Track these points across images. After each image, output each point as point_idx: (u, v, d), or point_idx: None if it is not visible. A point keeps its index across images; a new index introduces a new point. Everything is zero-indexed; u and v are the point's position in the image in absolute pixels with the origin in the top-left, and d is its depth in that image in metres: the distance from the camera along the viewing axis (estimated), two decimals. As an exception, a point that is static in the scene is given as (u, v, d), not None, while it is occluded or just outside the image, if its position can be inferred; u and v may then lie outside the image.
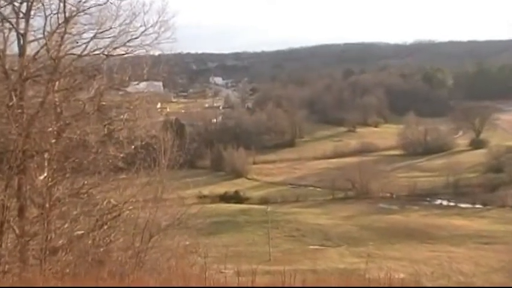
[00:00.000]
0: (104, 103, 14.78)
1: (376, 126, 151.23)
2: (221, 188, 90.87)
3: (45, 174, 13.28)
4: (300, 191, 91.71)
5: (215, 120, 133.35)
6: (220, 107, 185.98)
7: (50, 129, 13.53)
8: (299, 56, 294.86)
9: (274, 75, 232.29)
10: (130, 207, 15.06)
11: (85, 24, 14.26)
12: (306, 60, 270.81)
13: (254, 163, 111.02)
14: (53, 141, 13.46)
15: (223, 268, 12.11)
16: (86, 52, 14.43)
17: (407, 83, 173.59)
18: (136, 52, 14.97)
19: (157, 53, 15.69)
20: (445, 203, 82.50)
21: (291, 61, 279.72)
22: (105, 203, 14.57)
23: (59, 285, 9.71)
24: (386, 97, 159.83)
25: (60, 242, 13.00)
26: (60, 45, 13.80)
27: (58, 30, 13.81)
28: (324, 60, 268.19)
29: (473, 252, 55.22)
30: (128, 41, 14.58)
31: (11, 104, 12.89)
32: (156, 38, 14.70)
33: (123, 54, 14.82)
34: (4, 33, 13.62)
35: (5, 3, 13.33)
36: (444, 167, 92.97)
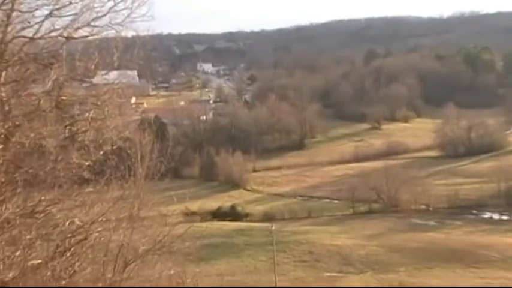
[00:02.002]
0: (63, 98, 14.67)
1: (406, 122, 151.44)
2: (214, 203, 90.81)
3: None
4: (312, 204, 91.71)
5: (204, 117, 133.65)
6: (211, 101, 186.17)
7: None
8: (308, 36, 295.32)
9: (278, 60, 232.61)
10: (100, 229, 14.99)
11: (38, -1, 14.17)
12: (317, 41, 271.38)
13: (254, 170, 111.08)
14: (0, 147, 13.38)
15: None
16: (40, 34, 14.30)
17: (445, 67, 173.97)
18: (104, 33, 14.89)
19: (130, 34, 15.61)
20: (495, 216, 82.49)
21: (298, 42, 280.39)
22: (67, 224, 14.47)
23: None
24: (418, 85, 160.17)
25: (11, 274, 12.87)
26: (6, 26, 13.70)
27: (3, 7, 13.70)
28: (340, 41, 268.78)
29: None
30: (93, 20, 14.48)
31: None
32: (128, 16, 14.57)
33: (87, 36, 14.74)
34: None
35: None
36: (493, 171, 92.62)
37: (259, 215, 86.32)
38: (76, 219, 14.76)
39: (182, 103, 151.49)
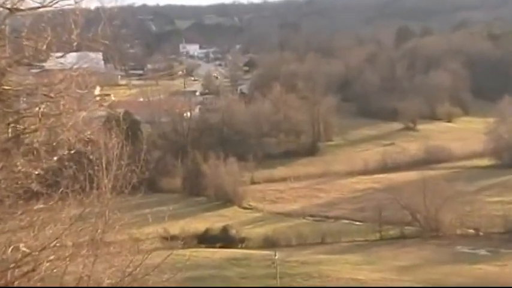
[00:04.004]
0: (6, 88, 14.69)
1: (449, 121, 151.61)
2: (200, 224, 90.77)
3: None
4: (327, 226, 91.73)
5: (189, 114, 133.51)
6: (198, 93, 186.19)
7: None
8: (323, 9, 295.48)
9: (284, 40, 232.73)
10: (52, 257, 14.98)
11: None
12: (334, 16, 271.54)
13: (253, 182, 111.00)
14: None
15: None
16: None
17: (500, 49, 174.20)
18: (60, 4, 14.91)
19: (93, 5, 15.62)
20: None
21: (310, 17, 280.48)
22: (9, 250, 14.48)
23: None
24: (465, 73, 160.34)
25: None
26: None
27: None
28: (364, 15, 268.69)
29: None
30: (46, -14, 14.51)
31: None
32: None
33: (38, 7, 14.76)
34: None
35: None
36: None
37: (259, 240, 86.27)
38: (21, 245, 14.73)
39: (161, 96, 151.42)
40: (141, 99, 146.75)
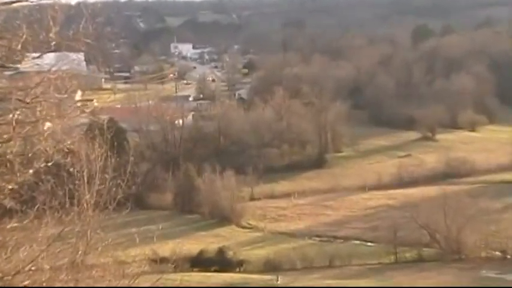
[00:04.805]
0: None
1: (473, 130, 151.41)
2: (193, 245, 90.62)
3: None
4: (335, 247, 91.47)
5: (181, 121, 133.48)
6: (191, 98, 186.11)
7: None
8: (331, 5, 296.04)
9: (288, 39, 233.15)
10: (27, 282, 14.95)
11: None
12: (343, 12, 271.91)
13: (253, 198, 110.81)
14: None
15: None
16: None
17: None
18: (37, -1, 14.92)
19: (74, 0, 15.61)
20: None
21: (316, 14, 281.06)
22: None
23: None
24: (491, 76, 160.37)
25: None
26: None
27: None
28: (377, 12, 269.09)
29: None
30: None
31: None
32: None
33: (11, 2, 14.77)
34: None
35: None
36: None
37: (259, 263, 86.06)
38: (-7, 268, 14.68)
39: (150, 102, 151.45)
40: (128, 105, 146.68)
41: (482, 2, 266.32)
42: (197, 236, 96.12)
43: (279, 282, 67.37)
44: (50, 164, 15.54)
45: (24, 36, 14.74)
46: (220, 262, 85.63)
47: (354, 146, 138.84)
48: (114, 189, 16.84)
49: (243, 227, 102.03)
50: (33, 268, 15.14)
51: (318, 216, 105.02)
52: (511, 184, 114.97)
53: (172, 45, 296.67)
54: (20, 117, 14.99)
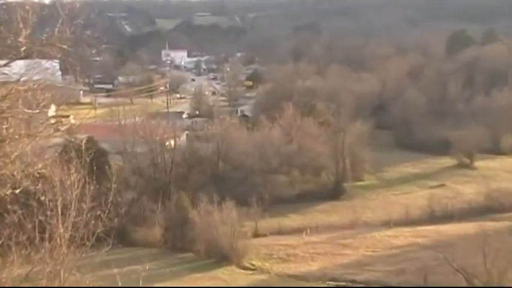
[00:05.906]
0: None
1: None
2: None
3: None
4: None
5: (173, 142, 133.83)
6: (185, 115, 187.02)
7: None
8: (350, 7, 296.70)
9: (299, 47, 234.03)
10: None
11: None
12: (364, 16, 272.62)
13: (257, 235, 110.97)
14: None
15: None
16: None
17: None
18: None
19: (48, -1, 15.61)
20: None
21: (333, 17, 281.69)
22: None
23: None
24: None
25: None
26: None
27: None
28: (405, 16, 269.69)
29: None
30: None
31: None
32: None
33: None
34: None
35: None
36: None
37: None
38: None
39: (136, 118, 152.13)
40: (110, 123, 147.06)
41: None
42: (191, 279, 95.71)
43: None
44: (17, 191, 15.52)
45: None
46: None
47: (377, 173, 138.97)
48: (92, 222, 16.84)
49: (245, 269, 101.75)
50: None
51: (333, 256, 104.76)
52: None
53: (163, 52, 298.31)
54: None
